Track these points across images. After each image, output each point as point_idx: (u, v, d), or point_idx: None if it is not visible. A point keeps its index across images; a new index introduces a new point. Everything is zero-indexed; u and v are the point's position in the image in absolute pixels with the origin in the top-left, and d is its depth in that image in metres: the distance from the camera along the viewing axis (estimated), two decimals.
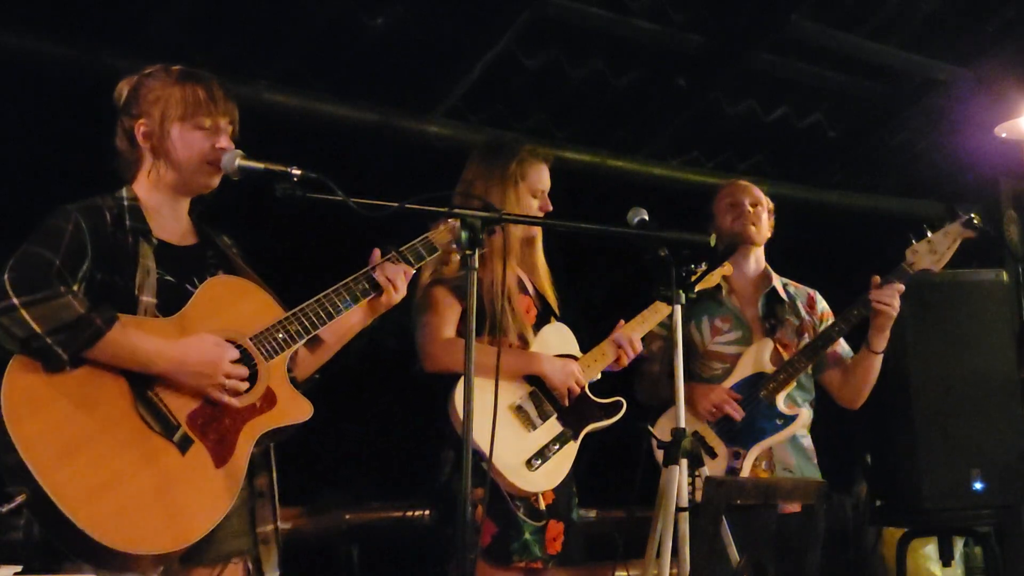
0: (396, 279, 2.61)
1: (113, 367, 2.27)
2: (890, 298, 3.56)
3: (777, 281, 3.82)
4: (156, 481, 2.25)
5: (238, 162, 2.44)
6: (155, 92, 2.48)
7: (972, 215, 3.62)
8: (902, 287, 3.58)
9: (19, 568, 2.19)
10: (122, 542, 2.16)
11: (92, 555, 2.18)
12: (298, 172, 2.36)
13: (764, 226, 3.81)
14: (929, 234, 3.63)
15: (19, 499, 2.12)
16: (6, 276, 2.22)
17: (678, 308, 2.90)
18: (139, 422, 2.28)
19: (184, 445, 2.31)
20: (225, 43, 4.12)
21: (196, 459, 2.32)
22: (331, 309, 2.52)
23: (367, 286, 2.59)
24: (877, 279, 3.60)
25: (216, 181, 2.52)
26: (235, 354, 2.39)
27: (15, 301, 2.19)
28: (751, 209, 3.77)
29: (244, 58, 4.18)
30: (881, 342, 3.63)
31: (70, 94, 3.80)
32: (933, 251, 3.61)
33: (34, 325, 2.18)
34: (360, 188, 2.39)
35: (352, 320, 2.63)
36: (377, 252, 2.65)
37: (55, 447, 2.16)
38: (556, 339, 3.34)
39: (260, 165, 2.41)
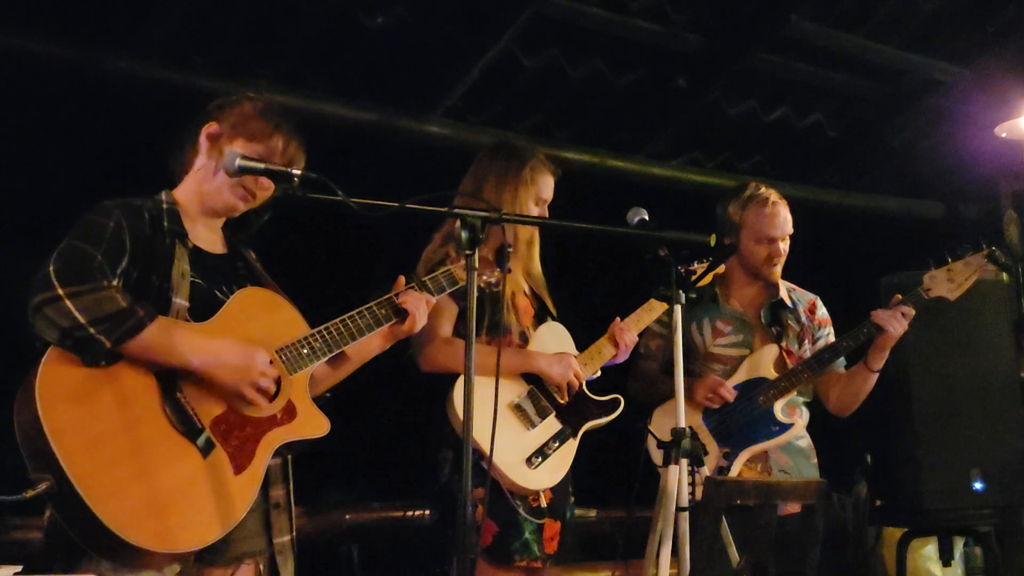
0: (419, 308, 2.69)
1: (144, 366, 2.30)
2: (897, 320, 3.55)
3: (783, 287, 3.81)
4: (177, 481, 2.28)
5: (238, 163, 2.44)
6: (246, 111, 2.56)
7: (994, 248, 3.60)
8: (912, 312, 3.57)
9: (19, 568, 2.19)
10: (139, 538, 2.19)
11: (109, 549, 2.20)
12: (298, 172, 2.37)
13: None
14: (950, 261, 3.61)
15: (42, 486, 2.14)
16: (51, 267, 2.25)
17: (678, 308, 2.90)
18: (165, 422, 2.31)
19: (207, 449, 2.34)
20: (225, 43, 4.12)
21: (216, 464, 2.35)
22: (354, 329, 2.58)
23: (390, 311, 2.66)
24: (897, 298, 3.59)
25: (241, 208, 2.58)
26: (267, 359, 2.42)
27: (60, 291, 2.22)
28: (781, 245, 3.71)
29: (244, 58, 4.18)
30: (879, 361, 3.62)
31: (70, 94, 3.80)
32: (951, 279, 3.60)
33: (78, 315, 2.21)
34: (360, 188, 2.40)
35: (372, 344, 2.70)
36: (402, 279, 2.72)
37: (83, 438, 2.19)
38: (552, 338, 3.35)
39: (260, 165, 2.42)
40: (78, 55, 3.78)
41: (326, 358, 2.55)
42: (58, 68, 3.78)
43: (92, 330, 2.21)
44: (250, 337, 2.44)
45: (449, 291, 2.81)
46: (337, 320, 2.57)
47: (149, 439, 2.28)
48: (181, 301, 2.41)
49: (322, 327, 2.55)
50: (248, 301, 2.52)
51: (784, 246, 3.74)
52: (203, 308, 2.44)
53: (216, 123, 2.55)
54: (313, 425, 2.52)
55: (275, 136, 2.55)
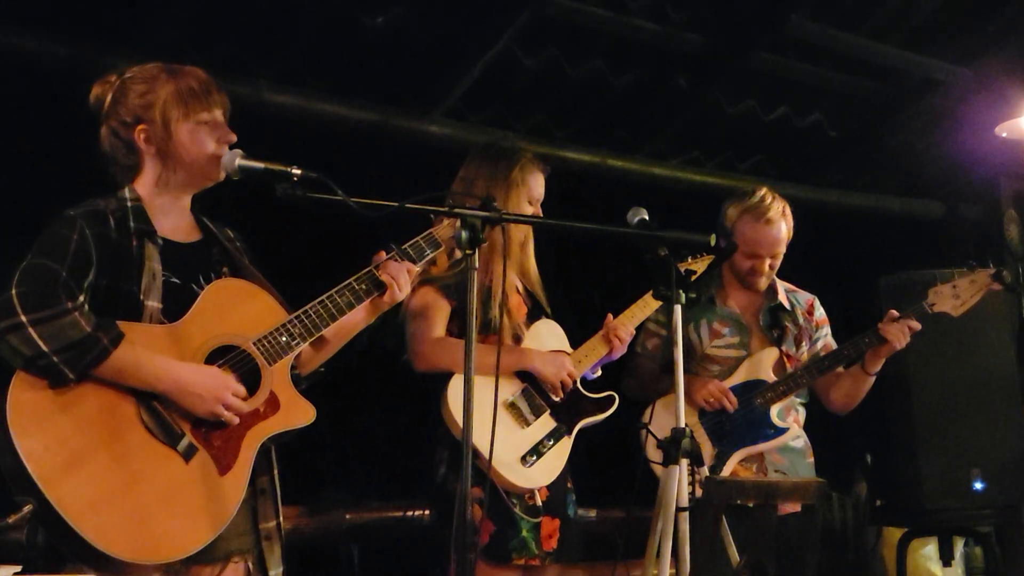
0: (399, 277, 2.61)
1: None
2: (901, 333, 3.55)
3: (781, 288, 3.80)
4: (161, 490, 2.26)
5: (238, 162, 2.43)
6: (148, 95, 2.46)
7: (1002, 269, 3.61)
8: (917, 325, 3.57)
9: (19, 568, 2.19)
10: (127, 552, 2.18)
11: (95, 562, 2.19)
12: (298, 172, 2.36)
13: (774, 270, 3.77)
14: (955, 278, 3.62)
15: (26, 509, 2.13)
16: (13, 292, 2.21)
17: (678, 308, 2.89)
18: (143, 432, 2.29)
19: (188, 453, 2.32)
20: (225, 43, 4.12)
21: (200, 467, 2.33)
22: (334, 310, 2.52)
23: (370, 285, 2.59)
24: (894, 313, 3.59)
25: (223, 174, 2.50)
26: (241, 390, 2.38)
27: (23, 319, 2.18)
28: (768, 264, 3.71)
29: (244, 58, 4.18)
30: (876, 366, 3.64)
31: (70, 94, 3.79)
32: (956, 296, 3.61)
33: (41, 344, 2.18)
34: (360, 188, 2.39)
35: (355, 319, 2.63)
36: (382, 253, 2.65)
37: (60, 459, 2.17)
38: (547, 335, 3.35)
39: (260, 165, 2.41)
40: (76, 54, 3.77)
41: (307, 343, 2.50)
42: (56, 67, 3.77)
43: (56, 359, 2.18)
44: (225, 331, 2.41)
45: (432, 254, 2.72)
46: (315, 302, 2.51)
47: (129, 451, 2.25)
48: (153, 303, 2.37)
49: (301, 311, 2.49)
50: (221, 294, 2.46)
51: (771, 262, 3.71)
52: (177, 306, 2.40)
53: (144, 125, 2.45)
54: (298, 414, 2.48)
55: (200, 94, 2.48)
